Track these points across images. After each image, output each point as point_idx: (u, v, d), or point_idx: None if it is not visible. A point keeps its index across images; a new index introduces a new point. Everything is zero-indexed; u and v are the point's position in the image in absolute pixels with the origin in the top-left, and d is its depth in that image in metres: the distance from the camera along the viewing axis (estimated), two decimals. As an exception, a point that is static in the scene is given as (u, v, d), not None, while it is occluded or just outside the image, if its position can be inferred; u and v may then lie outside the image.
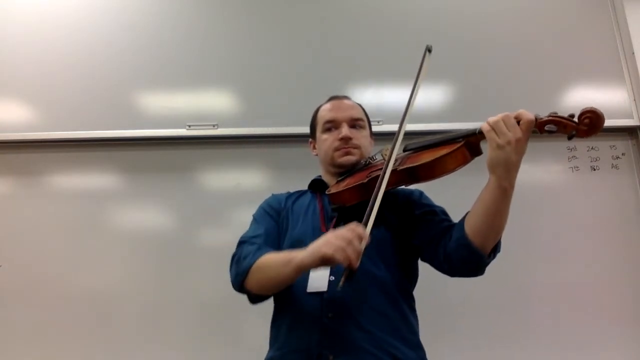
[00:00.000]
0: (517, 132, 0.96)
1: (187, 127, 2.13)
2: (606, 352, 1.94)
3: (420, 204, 1.25)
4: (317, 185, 1.36)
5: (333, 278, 1.12)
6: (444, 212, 1.23)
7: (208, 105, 2.18)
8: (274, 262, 1.10)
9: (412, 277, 1.26)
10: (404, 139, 1.16)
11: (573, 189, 2.13)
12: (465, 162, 1.07)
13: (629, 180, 2.15)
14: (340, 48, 2.24)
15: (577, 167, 2.16)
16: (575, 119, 0.97)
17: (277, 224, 1.28)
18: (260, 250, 1.16)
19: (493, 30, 2.29)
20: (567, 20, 2.32)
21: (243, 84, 2.20)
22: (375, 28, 2.27)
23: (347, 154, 1.28)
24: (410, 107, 1.18)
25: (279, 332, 1.17)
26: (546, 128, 0.98)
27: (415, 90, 1.18)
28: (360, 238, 0.94)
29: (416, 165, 1.08)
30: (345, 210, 1.20)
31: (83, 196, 2.07)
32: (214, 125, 2.13)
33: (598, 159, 2.16)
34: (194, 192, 2.09)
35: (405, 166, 1.10)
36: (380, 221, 1.14)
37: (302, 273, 1.05)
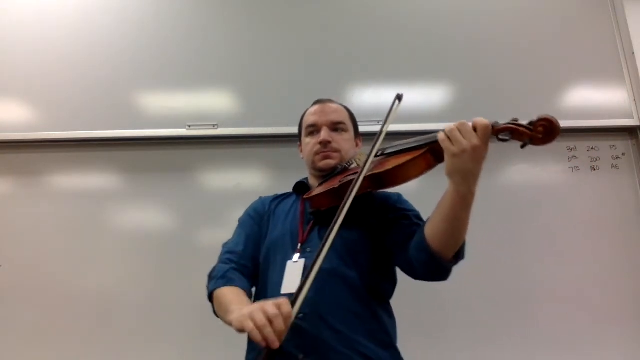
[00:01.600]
0: (472, 140, 0.95)
1: (187, 127, 2.13)
2: (606, 352, 1.94)
3: (395, 208, 1.26)
4: (300, 188, 1.38)
5: None
6: (417, 217, 1.24)
7: (208, 105, 2.18)
8: (223, 303, 1.13)
9: (389, 280, 1.27)
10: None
11: (573, 189, 2.13)
12: (429, 167, 1.08)
13: (629, 180, 2.15)
14: (340, 48, 2.24)
15: (577, 167, 2.16)
16: (531, 127, 0.95)
17: (259, 228, 1.32)
18: (224, 277, 1.20)
19: (493, 30, 2.29)
20: (567, 20, 2.32)
21: (243, 84, 2.20)
22: (375, 28, 2.27)
23: (326, 157, 1.30)
24: (376, 145, 1.17)
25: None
26: (500, 136, 0.98)
27: (382, 133, 1.18)
28: (286, 317, 0.89)
29: (381, 172, 1.10)
30: (321, 214, 1.23)
31: (83, 196, 2.07)
32: (214, 125, 2.13)
33: (598, 159, 2.16)
34: (194, 192, 2.09)
35: (371, 173, 1.12)
36: (355, 223, 1.17)
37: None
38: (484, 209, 2.06)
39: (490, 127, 0.96)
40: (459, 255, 1.08)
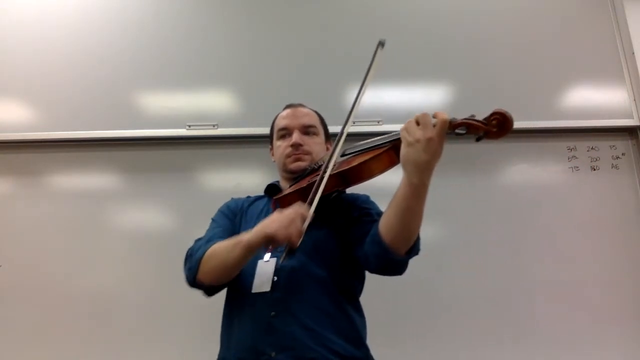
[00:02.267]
0: (427, 132, 0.97)
1: (187, 127, 2.13)
2: (606, 352, 1.94)
3: (360, 207, 1.29)
4: (272, 190, 1.41)
5: (276, 278, 1.17)
6: (379, 214, 1.25)
7: (208, 105, 2.18)
8: (223, 247, 1.15)
9: (357, 277, 1.29)
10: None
11: (573, 189, 2.13)
12: (392, 164, 1.10)
13: (629, 180, 2.15)
14: (340, 48, 2.24)
15: (577, 167, 2.16)
16: (485, 121, 0.98)
17: (233, 225, 1.35)
18: (210, 242, 1.21)
19: (493, 30, 2.29)
20: (567, 20, 2.32)
21: (243, 84, 2.20)
22: (375, 28, 2.27)
23: (297, 160, 1.33)
24: (355, 109, 1.22)
25: (228, 332, 1.23)
26: (457, 131, 1.00)
27: (363, 89, 1.23)
28: (303, 218, 1.01)
29: (346, 169, 1.13)
30: None
31: (83, 196, 2.07)
32: (214, 125, 2.13)
33: (598, 159, 2.16)
34: (194, 192, 2.09)
35: (337, 170, 1.15)
36: (323, 223, 1.20)
37: (251, 253, 1.10)
38: (484, 208, 2.09)
39: (448, 122, 0.98)
40: (412, 250, 1.08)
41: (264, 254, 1.21)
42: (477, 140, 0.99)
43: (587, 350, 1.94)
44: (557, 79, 2.23)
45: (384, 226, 1.07)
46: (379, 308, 1.88)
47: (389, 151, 1.09)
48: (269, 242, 1.05)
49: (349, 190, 1.31)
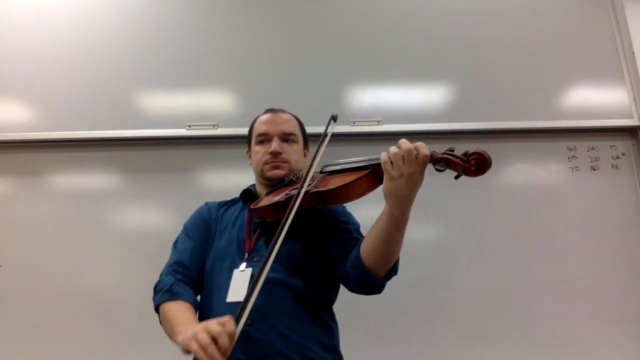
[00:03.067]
0: (411, 167, 0.97)
1: (187, 127, 2.13)
2: (606, 352, 1.94)
3: (337, 220, 1.29)
4: (247, 195, 1.40)
5: None
6: (357, 230, 1.27)
7: (208, 105, 2.18)
8: (169, 322, 1.15)
9: (332, 287, 1.29)
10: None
11: (573, 189, 2.13)
12: (371, 188, 1.10)
13: (629, 180, 2.15)
14: (340, 48, 2.24)
15: (577, 167, 2.16)
16: (465, 158, 0.98)
17: (205, 235, 1.34)
18: (170, 291, 1.21)
19: (493, 30, 2.29)
20: (567, 20, 2.32)
21: (243, 84, 2.20)
22: (375, 28, 2.27)
23: (275, 167, 1.32)
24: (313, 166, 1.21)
25: None
26: (436, 167, 0.99)
27: (317, 155, 1.22)
28: (230, 335, 0.91)
29: (324, 190, 1.13)
30: (266, 225, 1.25)
31: (83, 196, 2.07)
32: (214, 125, 2.13)
33: (598, 159, 2.16)
34: (194, 192, 2.09)
35: (315, 190, 1.15)
36: (299, 235, 1.20)
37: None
38: (483, 209, 2.09)
39: (429, 156, 0.98)
40: (391, 272, 1.11)
41: (240, 263, 1.21)
42: (456, 178, 0.99)
43: (587, 350, 1.94)
44: (557, 79, 2.23)
45: (365, 252, 1.09)
46: (379, 308, 1.88)
47: (368, 176, 1.09)
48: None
49: None
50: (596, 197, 2.12)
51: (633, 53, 2.24)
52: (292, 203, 1.09)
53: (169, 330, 1.14)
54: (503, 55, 2.25)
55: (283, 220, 1.05)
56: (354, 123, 2.08)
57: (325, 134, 1.26)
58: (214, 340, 0.90)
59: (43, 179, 2.10)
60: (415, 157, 0.97)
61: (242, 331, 1.03)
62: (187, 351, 0.96)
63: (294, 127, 1.40)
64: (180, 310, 1.16)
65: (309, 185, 1.17)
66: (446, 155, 0.99)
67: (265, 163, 1.33)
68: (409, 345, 1.90)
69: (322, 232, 1.26)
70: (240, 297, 1.10)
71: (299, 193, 1.11)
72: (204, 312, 1.25)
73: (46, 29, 2.22)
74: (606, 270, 2.03)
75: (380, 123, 2.09)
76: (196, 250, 1.32)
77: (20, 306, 1.95)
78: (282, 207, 1.17)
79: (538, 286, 2.01)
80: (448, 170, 0.98)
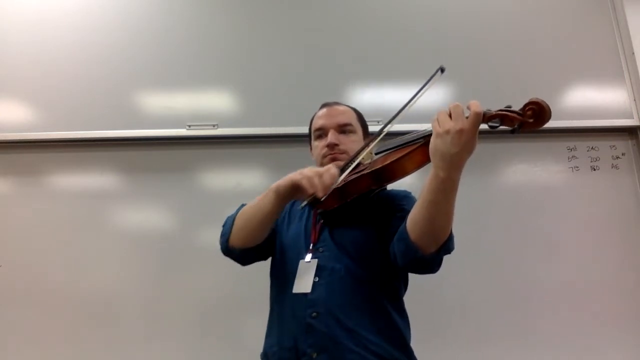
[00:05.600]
0: (459, 123, 0.94)
1: (187, 127, 2.13)
2: (605, 352, 1.94)
3: (397, 203, 1.25)
4: None
5: (317, 279, 1.15)
6: None
7: (208, 105, 2.18)
8: (255, 202, 1.18)
9: (400, 278, 1.26)
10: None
11: (573, 189, 2.13)
12: (426, 161, 1.06)
13: (629, 180, 2.15)
14: (340, 48, 2.24)
15: (577, 167, 2.16)
16: (520, 112, 0.94)
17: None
18: (240, 208, 1.24)
19: (493, 30, 2.29)
20: (567, 20, 2.32)
21: (243, 84, 2.20)
22: (375, 28, 2.27)
23: (334, 159, 1.30)
24: (403, 111, 1.23)
25: (271, 330, 1.23)
26: (490, 123, 0.96)
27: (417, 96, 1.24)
28: (333, 176, 1.02)
29: (378, 168, 1.11)
30: (329, 214, 1.24)
31: (83, 196, 2.07)
32: (214, 125, 2.13)
33: (598, 159, 2.16)
34: (194, 192, 2.10)
35: (369, 170, 1.13)
36: (363, 223, 1.21)
37: (279, 200, 1.12)
38: (483, 209, 2.09)
39: (482, 115, 0.95)
40: (442, 249, 1.02)
41: (306, 254, 1.20)
42: (512, 132, 0.95)
43: (587, 350, 1.94)
44: (557, 79, 2.23)
45: (410, 222, 1.03)
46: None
47: (422, 147, 1.05)
48: (295, 190, 1.07)
49: (389, 187, 1.30)
50: (596, 197, 2.12)
51: (633, 53, 2.24)
52: (352, 156, 1.14)
53: (257, 202, 1.16)
54: (503, 55, 2.25)
55: (344, 164, 1.11)
56: (379, 122, 2.07)
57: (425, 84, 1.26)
58: (319, 175, 1.02)
59: (43, 179, 2.10)
60: (467, 116, 0.94)
61: (307, 324, 1.09)
62: (289, 185, 1.06)
63: (350, 118, 1.37)
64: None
65: (366, 167, 1.15)
66: (501, 112, 0.95)
67: (324, 156, 1.31)
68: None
69: (385, 217, 1.23)
70: (307, 289, 1.13)
71: (356, 154, 1.16)
72: (272, 303, 1.25)
73: (46, 29, 2.22)
74: (606, 270, 2.03)
75: (380, 123, 2.06)
76: None
77: (20, 306, 1.95)
78: (342, 193, 1.15)
79: (538, 286, 2.01)
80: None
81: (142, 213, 2.10)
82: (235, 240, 1.20)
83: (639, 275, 2.04)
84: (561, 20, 2.31)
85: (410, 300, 1.94)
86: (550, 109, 0.91)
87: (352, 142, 1.34)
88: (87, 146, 2.12)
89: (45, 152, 2.11)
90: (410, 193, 1.32)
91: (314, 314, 1.11)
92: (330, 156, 1.30)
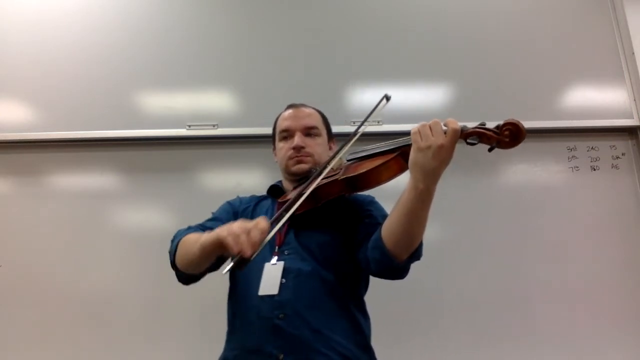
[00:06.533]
0: (439, 139, 0.96)
1: (187, 127, 2.13)
2: (606, 352, 1.94)
3: (364, 208, 1.28)
4: (275, 191, 1.40)
5: (284, 280, 1.16)
6: (383, 217, 1.24)
7: (208, 105, 2.18)
8: (191, 239, 1.15)
9: (362, 279, 1.28)
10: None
11: (573, 189, 2.13)
12: (400, 171, 1.10)
13: (629, 180, 2.15)
14: (340, 48, 2.24)
15: (577, 167, 2.16)
16: (497, 131, 0.98)
17: (232, 217, 1.34)
18: (188, 230, 1.23)
19: (493, 30, 2.29)
20: (567, 20, 2.32)
21: (243, 84, 2.20)
22: (375, 28, 2.27)
23: (299, 162, 1.32)
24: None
25: (232, 333, 1.23)
26: (468, 140, 0.99)
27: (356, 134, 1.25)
28: (262, 231, 0.94)
29: (354, 175, 1.12)
30: (295, 218, 1.23)
31: (83, 196, 2.07)
32: (214, 125, 2.13)
33: (598, 159, 2.16)
34: (194, 192, 2.09)
35: (344, 176, 1.14)
36: (329, 226, 1.22)
37: (205, 253, 1.06)
38: (483, 209, 2.09)
39: (460, 131, 0.97)
40: (413, 256, 1.07)
41: (271, 257, 1.21)
42: (490, 150, 0.99)
43: (587, 350, 1.94)
44: (557, 79, 2.23)
45: (386, 231, 1.06)
46: (380, 308, 1.88)
47: (397, 158, 1.08)
48: (219, 247, 0.98)
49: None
50: (596, 197, 2.12)
51: (633, 53, 2.24)
52: (289, 202, 1.09)
53: (192, 242, 1.11)
54: (503, 55, 2.25)
55: (277, 214, 1.05)
56: (354, 123, 2.08)
57: (372, 112, 1.27)
58: (247, 232, 0.92)
59: (43, 179, 2.10)
60: (445, 132, 0.97)
61: (274, 325, 1.08)
62: (216, 242, 0.97)
63: (316, 121, 1.39)
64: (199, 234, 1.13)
65: (337, 173, 1.17)
66: (478, 129, 0.98)
67: (289, 158, 1.33)
68: (409, 346, 1.90)
69: (351, 222, 1.25)
70: (273, 290, 1.13)
71: (323, 167, 1.14)
72: (233, 305, 1.25)
73: (46, 29, 2.22)
74: (606, 270, 2.03)
75: (380, 123, 2.09)
76: (219, 219, 1.32)
77: (20, 306, 1.95)
78: (313, 197, 1.17)
79: (538, 286, 2.00)
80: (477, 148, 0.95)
81: (142, 213, 2.10)
82: (178, 262, 1.20)
83: (639, 275, 2.03)
84: (561, 20, 2.31)
85: (411, 300, 1.95)
86: (525, 131, 0.96)
87: (317, 145, 1.36)
88: (87, 146, 2.12)
89: (45, 152, 2.11)
90: (374, 198, 1.35)
91: (281, 315, 1.11)
92: (296, 158, 1.32)
